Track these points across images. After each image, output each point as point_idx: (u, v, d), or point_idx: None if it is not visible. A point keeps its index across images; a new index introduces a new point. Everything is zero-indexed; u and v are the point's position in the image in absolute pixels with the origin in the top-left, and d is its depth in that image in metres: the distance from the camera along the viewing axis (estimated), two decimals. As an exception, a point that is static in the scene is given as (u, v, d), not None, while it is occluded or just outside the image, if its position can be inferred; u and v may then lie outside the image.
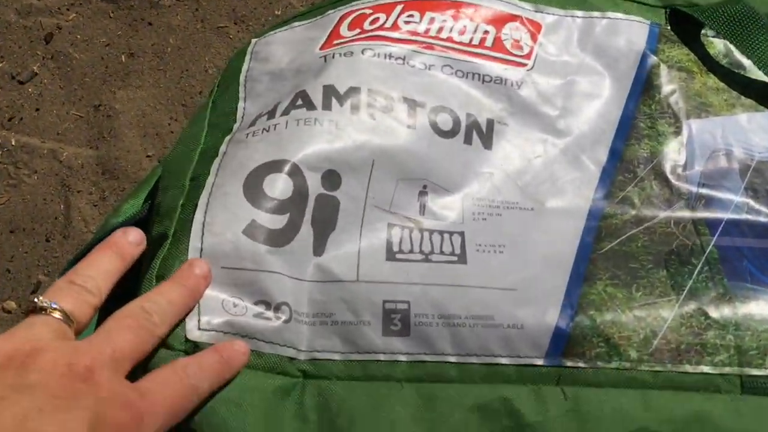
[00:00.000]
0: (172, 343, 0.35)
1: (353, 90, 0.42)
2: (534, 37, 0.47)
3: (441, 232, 0.40)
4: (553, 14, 0.48)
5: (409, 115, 0.42)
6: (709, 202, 0.41)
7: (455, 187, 0.42)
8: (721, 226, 0.40)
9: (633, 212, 0.41)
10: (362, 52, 0.44)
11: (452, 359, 0.36)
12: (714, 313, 0.37)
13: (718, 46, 0.48)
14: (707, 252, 0.39)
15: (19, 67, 1.14)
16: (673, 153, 0.43)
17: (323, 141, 0.40)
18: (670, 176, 0.42)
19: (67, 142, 1.08)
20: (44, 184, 1.06)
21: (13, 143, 1.08)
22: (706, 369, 0.36)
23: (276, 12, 1.15)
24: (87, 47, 1.14)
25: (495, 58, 0.46)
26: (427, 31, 0.46)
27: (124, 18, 1.16)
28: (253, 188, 0.39)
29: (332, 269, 0.38)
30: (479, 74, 0.45)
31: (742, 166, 0.42)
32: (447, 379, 0.36)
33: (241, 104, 0.45)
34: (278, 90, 0.45)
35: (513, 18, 0.47)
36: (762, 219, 0.40)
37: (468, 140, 0.43)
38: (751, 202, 0.41)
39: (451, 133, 0.43)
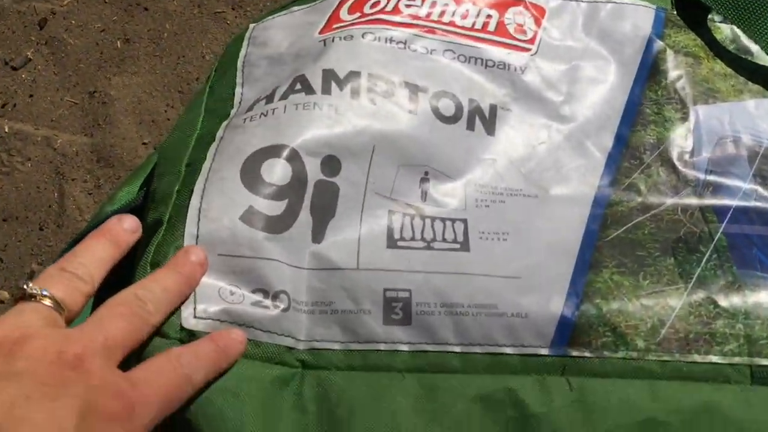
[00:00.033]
0: (167, 332, 0.35)
1: (353, 74, 0.42)
2: (538, 22, 0.46)
3: (443, 219, 0.39)
4: None
5: (410, 100, 0.42)
6: (717, 189, 0.41)
7: (457, 174, 0.41)
8: (730, 213, 0.39)
9: (639, 199, 0.40)
10: (362, 36, 0.44)
11: (455, 349, 0.35)
12: (723, 301, 0.36)
13: (725, 31, 0.47)
14: (716, 240, 0.38)
15: (12, 53, 1.13)
16: (679, 139, 0.42)
17: (322, 126, 0.39)
18: (677, 163, 0.42)
19: (62, 129, 1.07)
20: (38, 171, 1.05)
21: (7, 130, 1.07)
22: (715, 359, 0.35)
23: (273, -2, 1.14)
24: (81, 33, 1.13)
25: (498, 43, 0.45)
26: (428, 14, 0.45)
27: (120, 3, 1.15)
28: (250, 174, 0.38)
29: (332, 257, 0.37)
30: (482, 59, 0.45)
31: (750, 153, 0.42)
32: (449, 369, 0.35)
33: (238, 89, 0.45)
34: (277, 74, 0.44)
35: (516, 2, 0.47)
36: (771, 206, 0.40)
37: (470, 126, 0.43)
38: (760, 189, 0.41)
39: (453, 119, 0.42)
